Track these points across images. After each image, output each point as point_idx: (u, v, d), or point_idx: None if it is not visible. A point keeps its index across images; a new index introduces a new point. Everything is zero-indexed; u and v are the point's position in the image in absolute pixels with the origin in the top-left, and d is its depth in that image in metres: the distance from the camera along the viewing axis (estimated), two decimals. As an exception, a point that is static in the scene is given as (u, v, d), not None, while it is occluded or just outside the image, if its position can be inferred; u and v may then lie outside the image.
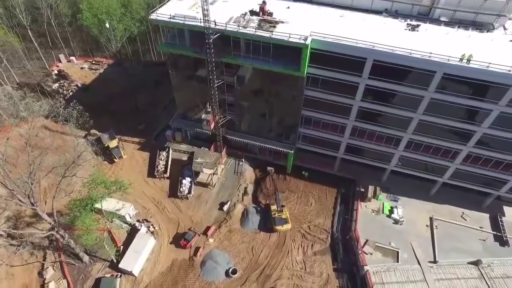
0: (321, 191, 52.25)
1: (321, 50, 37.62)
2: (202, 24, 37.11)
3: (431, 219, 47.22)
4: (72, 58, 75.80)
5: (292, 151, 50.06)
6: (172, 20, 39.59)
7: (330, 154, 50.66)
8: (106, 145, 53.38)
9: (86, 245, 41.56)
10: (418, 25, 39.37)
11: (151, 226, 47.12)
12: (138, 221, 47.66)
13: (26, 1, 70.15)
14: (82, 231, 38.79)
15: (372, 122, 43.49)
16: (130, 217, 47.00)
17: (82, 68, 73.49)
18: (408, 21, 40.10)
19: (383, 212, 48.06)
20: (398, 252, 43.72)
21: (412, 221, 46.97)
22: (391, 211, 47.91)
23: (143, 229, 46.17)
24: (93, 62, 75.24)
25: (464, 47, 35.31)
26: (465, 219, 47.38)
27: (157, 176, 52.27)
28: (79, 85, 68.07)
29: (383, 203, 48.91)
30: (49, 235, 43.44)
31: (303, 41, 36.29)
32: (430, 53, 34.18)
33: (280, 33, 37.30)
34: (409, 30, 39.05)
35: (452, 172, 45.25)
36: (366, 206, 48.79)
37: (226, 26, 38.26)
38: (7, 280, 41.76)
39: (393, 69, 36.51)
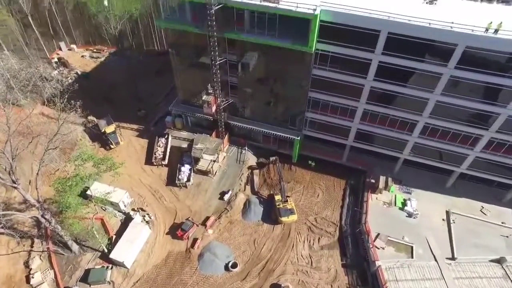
0: (329, 182, 49.06)
1: (331, 22, 34.83)
2: (203, -6, 34.73)
3: (447, 212, 43.66)
4: (73, 46, 74.04)
5: (298, 138, 47.10)
6: (172, -9, 37.30)
7: (338, 142, 47.54)
8: (103, 130, 50.87)
9: (75, 233, 38.81)
10: (436, -2, 36.48)
11: (146, 215, 44.27)
12: (133, 209, 44.83)
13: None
14: (71, 218, 36.19)
15: (385, 105, 40.42)
16: (125, 205, 44.20)
17: (82, 56, 71.66)
18: (426, -5, 37.21)
19: (395, 205, 44.64)
20: (412, 247, 40.22)
21: (427, 215, 43.45)
22: (404, 204, 44.48)
23: (137, 218, 43.28)
24: (94, 50, 73.38)
25: (489, 19, 32.00)
26: (485, 214, 43.73)
27: (155, 163, 49.58)
28: (79, 72, 66.10)
29: (395, 195, 45.52)
30: (36, 221, 41.00)
31: (311, 11, 33.55)
32: (452, 22, 31.18)
33: (287, 2, 34.64)
34: (426, 3, 36.16)
35: (471, 161, 41.77)
36: (377, 198, 45.44)
37: (229, -3, 35.74)
38: (-9, 270, 39.11)
39: (409, 43, 33.53)
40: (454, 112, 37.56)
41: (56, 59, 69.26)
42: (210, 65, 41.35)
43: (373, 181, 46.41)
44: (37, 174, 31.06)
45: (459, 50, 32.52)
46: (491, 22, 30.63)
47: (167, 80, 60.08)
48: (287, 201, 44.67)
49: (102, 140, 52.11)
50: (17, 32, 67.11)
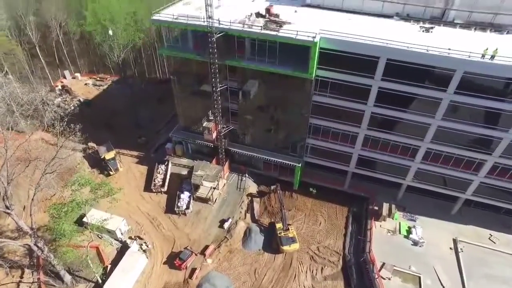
0: (331, 210, 47.94)
1: (330, 49, 35.52)
2: (205, 23, 35.66)
3: (454, 241, 42.23)
4: (77, 74, 75.66)
5: (300, 165, 46.56)
6: (175, 21, 38.28)
7: (340, 169, 46.95)
8: (102, 156, 50.50)
9: (68, 262, 37.24)
10: (432, 27, 37.39)
11: (143, 244, 42.87)
12: (130, 238, 43.50)
13: (37, 19, 71.45)
14: (65, 246, 34.88)
15: (386, 130, 40.31)
16: (122, 233, 42.92)
17: (86, 84, 72.94)
18: (421, 24, 38.21)
19: (400, 233, 43.33)
20: (420, 277, 38.51)
21: (434, 243, 42.01)
22: (409, 232, 43.16)
23: (134, 246, 41.90)
24: (98, 78, 74.81)
25: (484, 46, 32.61)
26: (494, 242, 42.26)
27: (154, 190, 48.77)
28: (82, 100, 66.90)
29: (399, 223, 44.32)
30: (29, 250, 39.62)
31: (311, 39, 34.30)
32: (449, 49, 31.77)
33: (287, 30, 35.55)
34: (422, 31, 36.99)
35: (476, 187, 40.99)
36: (381, 226, 44.18)
37: (230, 25, 36.69)
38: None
39: (408, 69, 33.95)
40: (456, 137, 37.35)
41: (59, 87, 70.39)
42: (211, 93, 41.73)
43: (376, 208, 45.39)
44: (32, 199, 30.26)
45: (458, 76, 32.88)
46: (487, 48, 31.18)
47: (169, 108, 60.59)
48: (288, 229, 43.40)
49: (102, 166, 51.63)
50: (24, 61, 68.92)
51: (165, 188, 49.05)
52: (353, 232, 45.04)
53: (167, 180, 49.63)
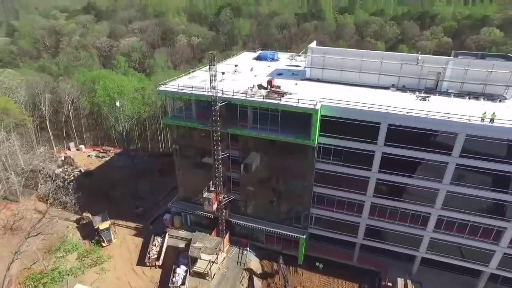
0: (340, 287, 43.64)
1: (331, 117, 36.34)
2: (209, 93, 37.13)
3: (484, 324, 37.36)
4: (81, 146, 76.92)
5: (304, 236, 43.90)
6: (180, 91, 40.04)
7: (347, 240, 44.12)
8: (96, 227, 47.98)
9: None
10: (428, 96, 38.86)
11: (131, 328, 38.03)
12: (116, 320, 38.79)
13: (52, 96, 75.88)
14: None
15: (393, 197, 38.88)
16: (108, 315, 38.35)
17: (89, 156, 73.49)
18: (417, 94, 39.80)
19: (420, 314, 38.64)
20: None
21: (460, 327, 37.12)
22: (430, 313, 38.54)
23: (120, 330, 37.08)
24: (101, 150, 75.66)
25: (481, 111, 33.32)
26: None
27: (148, 264, 45.16)
28: (82, 170, 66.63)
29: (418, 302, 39.86)
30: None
31: (312, 107, 35.31)
32: (448, 113, 32.42)
33: (289, 99, 36.82)
34: (419, 100, 38.29)
35: (500, 259, 37.69)
36: (398, 306, 39.63)
37: (233, 95, 38.20)
38: None
39: (410, 134, 34.31)
40: (469, 202, 35.79)
41: (62, 157, 70.88)
42: (212, 164, 41.52)
43: (390, 284, 41.36)
44: (8, 269, 27.32)
45: (461, 139, 32.95)
46: (485, 112, 31.89)
47: (169, 180, 59.99)
48: (294, 309, 39.00)
49: (95, 237, 48.61)
50: (32, 133, 70.95)
51: (160, 262, 45.52)
52: (367, 313, 40.34)
53: (162, 253, 46.33)
